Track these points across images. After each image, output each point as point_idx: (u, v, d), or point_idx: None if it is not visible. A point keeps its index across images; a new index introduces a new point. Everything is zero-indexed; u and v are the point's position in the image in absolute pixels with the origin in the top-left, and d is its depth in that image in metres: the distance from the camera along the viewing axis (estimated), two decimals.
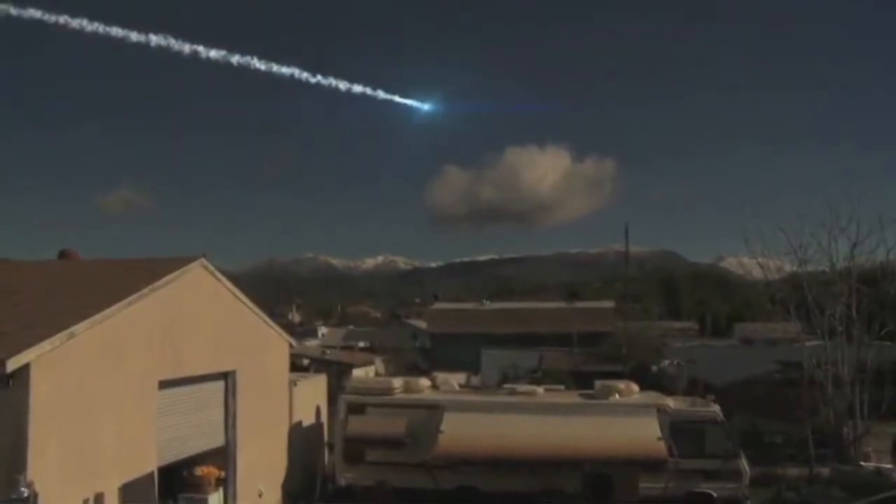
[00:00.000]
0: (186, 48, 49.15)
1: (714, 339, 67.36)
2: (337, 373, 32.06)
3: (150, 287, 14.24)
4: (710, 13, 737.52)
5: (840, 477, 20.42)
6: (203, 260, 16.53)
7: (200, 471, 16.80)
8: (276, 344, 20.43)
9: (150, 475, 14.05)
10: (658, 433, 19.07)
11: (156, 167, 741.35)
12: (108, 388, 12.93)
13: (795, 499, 20.24)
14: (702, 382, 29.32)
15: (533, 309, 61.18)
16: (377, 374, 39.87)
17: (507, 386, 24.90)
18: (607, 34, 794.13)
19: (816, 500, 19.68)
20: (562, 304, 63.85)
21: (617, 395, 20.58)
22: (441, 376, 23.26)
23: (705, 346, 51.48)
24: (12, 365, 10.68)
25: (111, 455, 12.91)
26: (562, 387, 23.98)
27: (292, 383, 21.27)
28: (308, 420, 22.21)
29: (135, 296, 13.73)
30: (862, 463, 21.54)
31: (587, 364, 36.56)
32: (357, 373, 35.14)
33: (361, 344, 68.03)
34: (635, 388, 21.42)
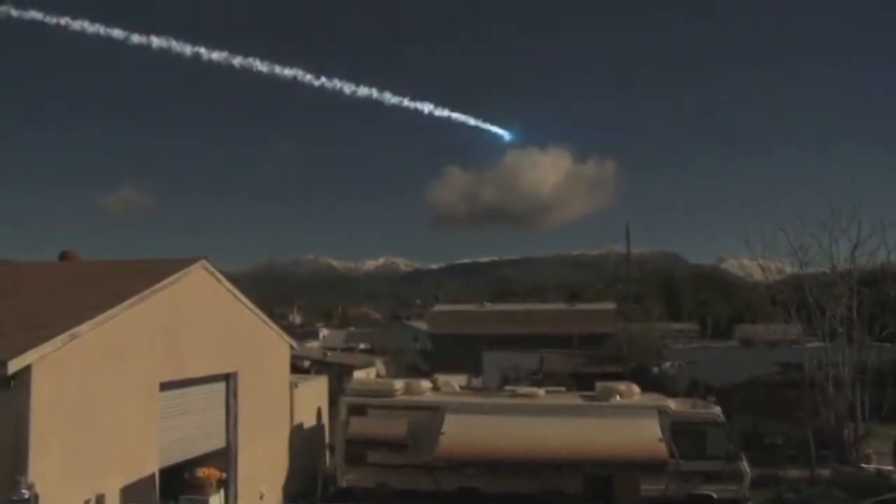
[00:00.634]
0: (188, 50, 49.27)
1: (715, 341, 67.30)
2: (338, 374, 32.08)
3: (151, 288, 14.27)
4: (710, 13, 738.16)
5: (841, 478, 20.38)
6: (204, 261, 16.57)
7: (202, 472, 16.78)
8: (276, 345, 20.44)
9: (152, 476, 14.06)
10: (659, 435, 19.05)
11: (157, 168, 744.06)
12: (109, 389, 12.95)
13: (796, 500, 20.19)
14: (702, 384, 29.23)
15: (534, 310, 61.18)
16: (378, 375, 39.88)
17: (507, 388, 24.89)
18: (607, 34, 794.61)
19: (817, 502, 19.63)
20: (562, 306, 63.83)
21: (618, 397, 20.57)
22: (442, 378, 23.22)
23: (706, 348, 51.44)
24: (14, 366, 10.70)
25: (112, 456, 12.92)
26: (563, 388, 23.96)
27: (293, 385, 21.28)
28: (309, 422, 22.22)
29: (136, 297, 13.76)
30: (863, 464, 21.51)
31: (588, 365, 36.45)
32: (358, 374, 35.16)
33: (362, 345, 68.17)
34: (636, 389, 21.40)
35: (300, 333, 64.14)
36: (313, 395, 22.88)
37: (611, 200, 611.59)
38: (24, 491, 10.29)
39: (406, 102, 65.80)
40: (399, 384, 21.79)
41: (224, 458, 17.41)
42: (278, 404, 20.28)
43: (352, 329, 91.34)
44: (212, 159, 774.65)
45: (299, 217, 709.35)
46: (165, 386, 14.71)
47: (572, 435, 19.17)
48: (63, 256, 20.05)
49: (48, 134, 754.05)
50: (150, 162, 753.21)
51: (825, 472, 21.75)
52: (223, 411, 17.45)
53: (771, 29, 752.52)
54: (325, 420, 23.29)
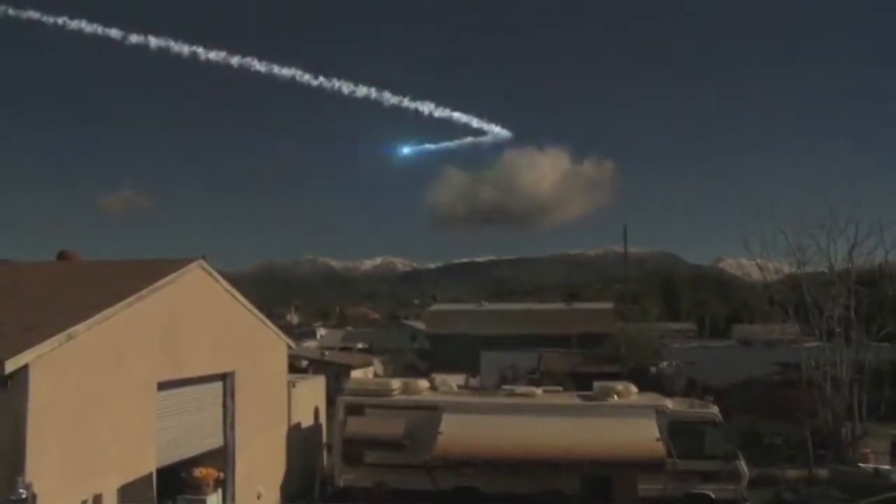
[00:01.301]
0: (186, 49, 49.26)
1: (713, 341, 67.34)
2: (335, 374, 31.98)
3: (149, 288, 14.25)
4: (710, 13, 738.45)
5: (839, 478, 20.44)
6: (202, 261, 16.56)
7: (199, 472, 16.76)
8: (274, 345, 20.43)
9: (149, 476, 14.04)
10: (657, 434, 19.07)
11: (156, 168, 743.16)
12: (107, 389, 12.94)
13: (794, 500, 20.27)
14: (700, 384, 29.29)
15: (532, 310, 61.13)
16: (376, 375, 39.82)
17: (505, 387, 24.87)
18: (607, 34, 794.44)
19: (815, 502, 19.71)
20: (560, 306, 63.84)
21: (616, 397, 20.57)
22: (440, 377, 23.22)
23: (704, 348, 51.49)
24: (11, 366, 10.69)
25: (110, 456, 12.90)
26: (560, 388, 23.96)
27: (291, 384, 21.26)
28: (307, 421, 22.19)
29: (134, 297, 13.74)
30: (860, 464, 21.54)
31: (586, 365, 36.44)
32: (356, 374, 35.06)
33: (360, 345, 68.07)
34: (634, 389, 21.42)
35: (298, 333, 64.20)
36: (311, 394, 22.86)
37: (609, 200, 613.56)
38: (21, 491, 10.27)
39: (406, 102, 65.64)
40: (396, 384, 21.77)
41: (222, 457, 17.38)
42: (276, 404, 20.26)
43: (349, 329, 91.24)
44: (211, 159, 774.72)
45: (298, 217, 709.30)
46: (163, 385, 14.68)
47: (570, 434, 19.19)
48: (61, 256, 20.01)
49: (48, 134, 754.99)
50: (149, 162, 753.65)
51: (823, 472, 21.82)
52: (221, 411, 17.42)
53: (771, 30, 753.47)
54: (323, 419, 23.26)
